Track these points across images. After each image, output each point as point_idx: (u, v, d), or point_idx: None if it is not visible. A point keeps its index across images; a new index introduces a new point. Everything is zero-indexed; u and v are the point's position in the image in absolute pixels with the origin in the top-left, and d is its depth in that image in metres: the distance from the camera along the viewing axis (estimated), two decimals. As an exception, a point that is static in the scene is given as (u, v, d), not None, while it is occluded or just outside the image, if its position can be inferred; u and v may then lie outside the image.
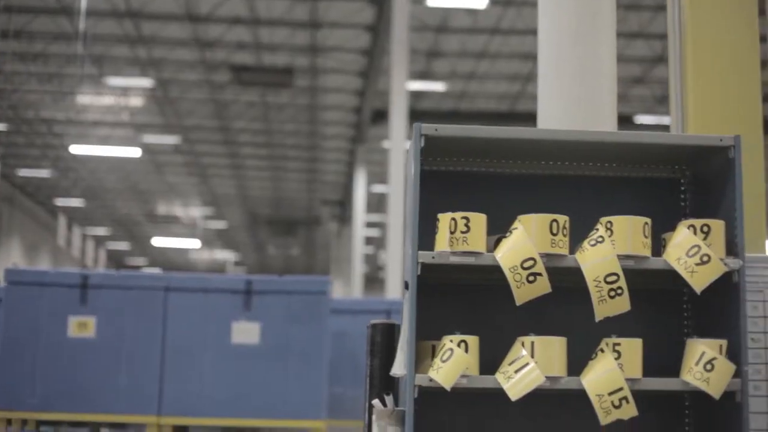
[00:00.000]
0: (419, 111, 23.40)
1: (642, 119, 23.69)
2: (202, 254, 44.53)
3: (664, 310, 4.14)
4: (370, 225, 31.88)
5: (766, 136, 4.93)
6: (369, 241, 34.37)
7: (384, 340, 4.10)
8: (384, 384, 4.03)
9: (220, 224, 39.85)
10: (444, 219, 3.69)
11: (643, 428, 4.03)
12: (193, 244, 40.98)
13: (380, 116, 22.87)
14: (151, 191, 35.03)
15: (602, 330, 3.73)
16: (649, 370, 3.75)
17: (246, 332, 8.08)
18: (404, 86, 18.34)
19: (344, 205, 33.32)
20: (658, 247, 3.87)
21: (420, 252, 3.66)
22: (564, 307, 3.93)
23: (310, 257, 44.81)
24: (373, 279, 38.71)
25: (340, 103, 25.35)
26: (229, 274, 39.65)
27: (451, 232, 3.64)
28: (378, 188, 30.29)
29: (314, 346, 8.08)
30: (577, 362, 3.68)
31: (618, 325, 3.75)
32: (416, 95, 23.45)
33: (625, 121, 23.29)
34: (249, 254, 46.23)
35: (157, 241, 41.97)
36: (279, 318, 8.06)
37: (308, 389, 7.99)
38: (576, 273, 3.64)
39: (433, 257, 3.66)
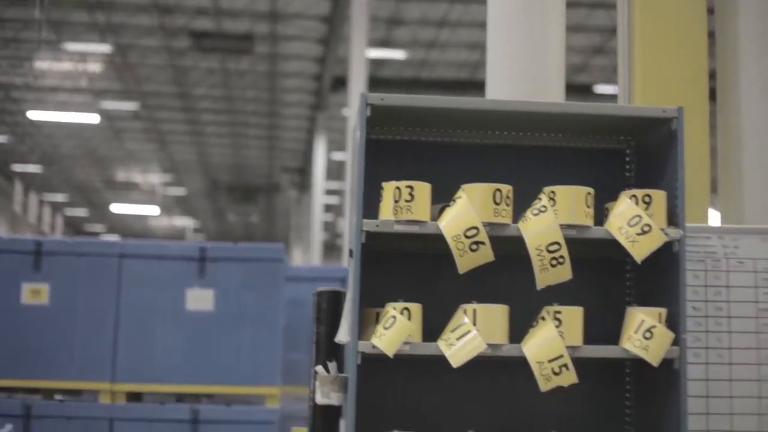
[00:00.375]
0: (380, 79, 23.37)
1: (602, 89, 23.77)
2: (161, 221, 44.37)
3: (606, 278, 4.19)
4: (329, 192, 31.89)
5: (712, 107, 4.98)
6: (329, 208, 34.39)
7: (330, 307, 4.13)
8: (329, 351, 4.07)
9: (179, 191, 39.69)
10: (388, 188, 3.72)
11: (584, 394, 4.10)
12: (153, 210, 40.82)
13: (340, 83, 22.83)
14: (110, 158, 34.81)
15: (544, 298, 3.78)
16: (590, 337, 3.81)
17: (200, 299, 8.09)
18: (364, 54, 18.32)
19: (304, 172, 33.29)
20: (602, 217, 3.92)
21: (364, 220, 3.69)
22: (506, 275, 3.97)
23: (270, 224, 44.76)
24: (333, 246, 38.75)
25: (300, 70, 25.27)
26: (188, 241, 39.56)
27: (396, 201, 3.67)
28: (338, 156, 30.27)
29: (269, 313, 8.10)
30: (518, 330, 3.74)
31: (560, 294, 3.80)
32: (376, 63, 23.41)
33: (584, 90, 23.38)
34: (209, 221, 46.11)
35: (116, 208, 41.77)
36: (234, 285, 8.07)
37: (263, 356, 8.02)
38: (519, 242, 3.68)
39: (377, 225, 3.69)
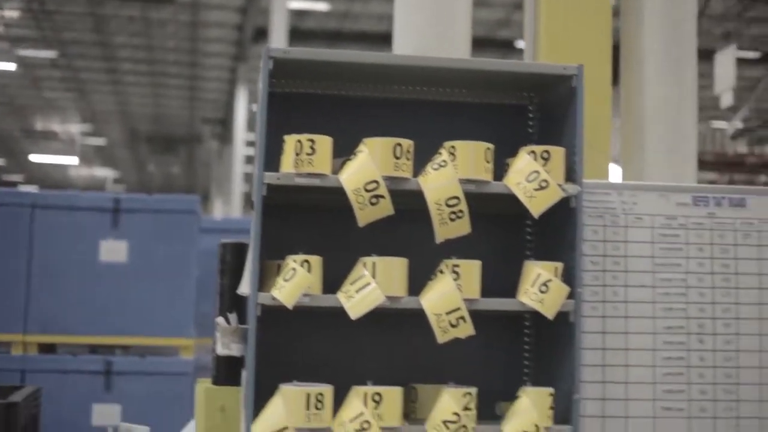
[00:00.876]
0: (302, 30, 23.26)
1: (523, 44, 23.90)
2: (81, 171, 43.84)
3: (506, 233, 4.27)
4: (250, 144, 31.73)
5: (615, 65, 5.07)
6: (249, 160, 34.20)
7: (234, 259, 4.17)
8: (233, 302, 4.11)
9: (99, 141, 39.23)
10: (290, 141, 3.74)
11: (484, 347, 4.19)
12: (72, 160, 40.31)
13: (262, 35, 22.68)
14: (28, 106, 34.27)
15: (443, 252, 3.84)
16: (490, 291, 3.89)
17: (114, 251, 8.04)
18: (285, 5, 18.22)
19: (226, 123, 33.08)
20: (503, 173, 3.98)
21: (265, 173, 3.71)
22: (406, 229, 4.03)
23: (192, 176, 44.46)
24: (255, 198, 38.51)
25: (221, 20, 25.04)
26: (108, 191, 39.16)
27: (297, 154, 3.70)
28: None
29: (183, 265, 8.08)
30: (417, 283, 3.79)
31: (459, 248, 3.86)
32: (299, 14, 23.28)
33: (506, 45, 23.49)
34: (129, 172, 45.67)
35: (35, 158, 41.18)
36: (147, 237, 8.03)
37: (177, 307, 8.01)
38: (419, 196, 3.73)
39: (278, 178, 3.72)
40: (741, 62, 21.44)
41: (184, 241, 8.09)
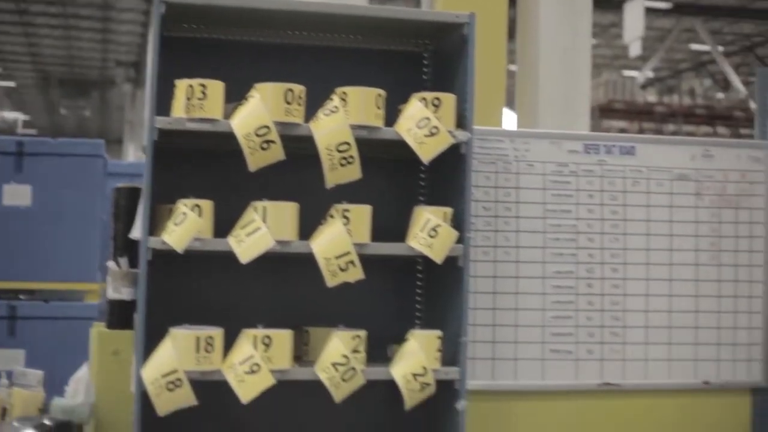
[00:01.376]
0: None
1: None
2: (-10, 114, 43.01)
3: (399, 179, 4.31)
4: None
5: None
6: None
7: (127, 203, 4.17)
8: (126, 247, 4.11)
9: (8, 83, 38.48)
10: (181, 86, 3.74)
11: (378, 290, 4.25)
12: (-19, 103, 39.51)
13: (175, -23, 22.32)
14: (-66, 47, 33.48)
15: (336, 197, 3.87)
16: (383, 236, 3.94)
17: (17, 195, 7.95)
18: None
19: (139, 66, 32.64)
20: (396, 119, 4.01)
21: (157, 117, 3.72)
22: (298, 174, 4.05)
23: (105, 119, 43.85)
24: (170, 143, 38.10)
25: (134, -39, 24.65)
26: (17, 134, 38.50)
27: (188, 99, 3.70)
28: (174, 51, 29.67)
29: (88, 209, 8.01)
30: (308, 227, 3.83)
31: (352, 193, 3.89)
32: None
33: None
34: (40, 115, 44.91)
35: (-58, 100, 40.31)
36: (52, 181, 7.94)
37: (82, 252, 7.95)
38: (310, 141, 3.76)
39: (169, 123, 3.72)
40: (651, 12, 21.68)
41: (90, 185, 8.02)
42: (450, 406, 3.96)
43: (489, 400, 4.44)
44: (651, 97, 27.85)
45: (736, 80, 26.51)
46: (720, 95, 28.06)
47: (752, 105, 29.07)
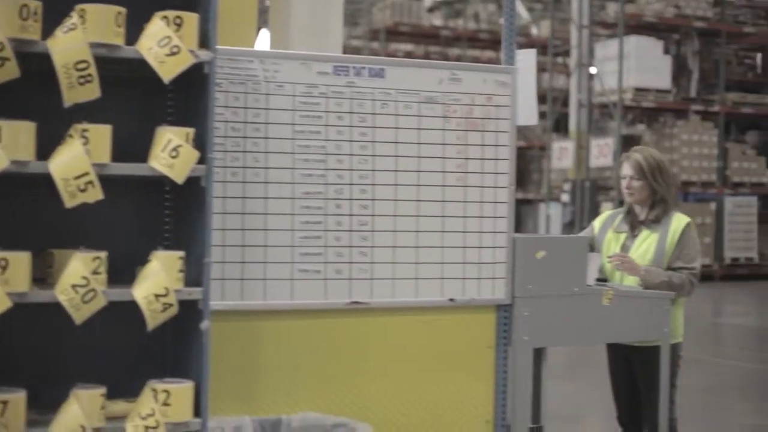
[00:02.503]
0: None
1: None
2: None
3: (146, 99, 4.25)
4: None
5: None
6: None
7: None
8: None
9: None
10: None
11: (126, 211, 4.23)
12: None
13: None
14: None
15: (81, 117, 3.79)
16: (130, 157, 3.89)
17: None
18: None
19: None
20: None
21: None
22: (35, 92, 3.95)
23: None
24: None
25: None
26: None
27: None
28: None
29: None
30: (48, 148, 3.74)
31: (95, 112, 3.82)
32: None
33: None
34: None
35: None
36: None
37: None
38: (48, 59, 3.66)
39: None
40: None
41: None
42: (194, 327, 3.98)
43: (238, 320, 4.48)
44: (437, 20, 28.25)
45: (519, 5, 27.10)
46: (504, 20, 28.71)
47: (534, 31, 29.84)
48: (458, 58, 28.41)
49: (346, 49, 27.71)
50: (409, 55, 28.68)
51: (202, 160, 3.90)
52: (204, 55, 3.89)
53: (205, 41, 3.94)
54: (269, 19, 4.89)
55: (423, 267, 4.76)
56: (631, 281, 5.49)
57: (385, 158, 4.67)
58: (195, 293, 3.94)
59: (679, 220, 5.52)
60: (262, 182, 4.47)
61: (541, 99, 28.37)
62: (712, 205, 22.00)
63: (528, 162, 28.52)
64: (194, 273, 3.98)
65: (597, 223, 5.86)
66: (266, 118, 4.46)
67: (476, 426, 4.96)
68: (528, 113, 4.95)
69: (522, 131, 28.13)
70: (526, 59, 4.97)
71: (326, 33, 4.82)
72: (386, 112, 4.66)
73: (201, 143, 3.92)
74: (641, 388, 5.56)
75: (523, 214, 28.22)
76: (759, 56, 26.10)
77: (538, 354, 5.54)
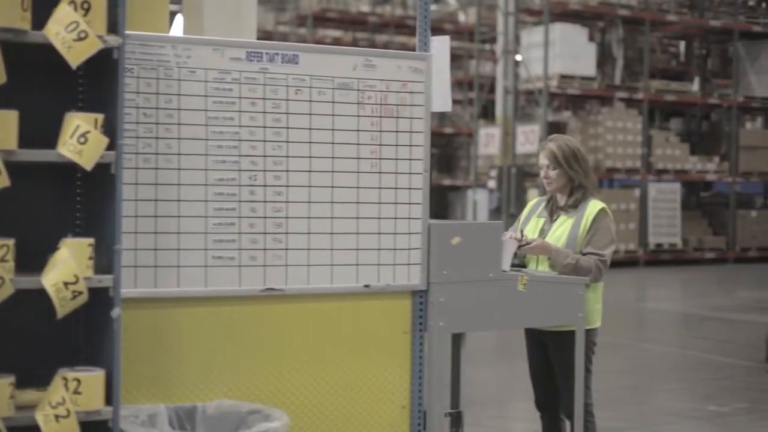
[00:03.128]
0: None
1: None
2: None
3: (55, 84, 4.20)
4: None
5: None
6: None
7: None
8: None
9: None
10: None
11: (37, 199, 4.18)
12: None
13: None
14: None
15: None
16: (37, 143, 3.84)
17: None
18: None
19: None
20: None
21: None
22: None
23: None
24: None
25: None
26: None
27: None
28: None
29: None
30: (-48, 134, 3.69)
31: (3, 101, 3.78)
32: None
33: None
34: None
35: None
36: None
37: None
38: (-49, 44, 3.61)
39: None
40: None
41: None
42: (105, 314, 3.95)
43: (152, 307, 4.46)
44: (364, 6, 28.21)
45: (446, -8, 27.18)
46: (434, 7, 28.74)
47: (461, 17, 29.95)
48: (386, 45, 28.45)
49: (274, 35, 27.63)
50: (337, 41, 28.62)
51: (111, 147, 3.87)
52: (112, 40, 3.85)
53: (113, 26, 3.90)
54: (183, 4, 4.86)
55: (338, 253, 4.77)
56: (546, 267, 5.54)
57: (299, 144, 4.66)
58: (105, 281, 3.91)
59: (593, 206, 5.58)
60: (175, 169, 4.44)
61: (468, 86, 28.57)
62: (637, 192, 22.28)
63: (456, 148, 28.64)
64: (105, 260, 3.95)
65: (526, 209, 5.91)
66: (179, 104, 4.44)
67: (392, 411, 4.98)
68: (442, 100, 4.97)
69: (450, 117, 28.29)
70: (440, 46, 4.99)
71: (241, 19, 4.80)
72: (300, 98, 4.66)
73: (111, 129, 3.88)
74: (557, 372, 5.63)
75: (451, 200, 28.37)
76: (682, 44, 26.45)
77: (457, 339, 5.58)
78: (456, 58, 28.97)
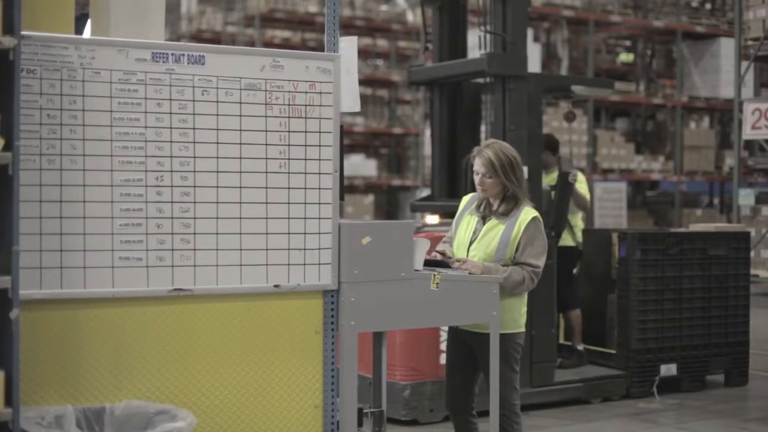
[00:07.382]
0: None
1: None
2: None
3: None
4: None
5: None
6: None
7: None
8: None
9: None
10: None
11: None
12: None
13: None
14: None
15: None
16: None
17: None
18: None
19: None
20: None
21: None
22: None
23: None
24: None
25: None
26: None
27: None
28: None
29: None
30: None
31: None
32: None
33: None
34: None
35: None
36: None
37: None
38: None
39: None
40: None
41: None
42: (4, 315, 3.94)
43: (58, 308, 4.44)
44: (312, 7, 28.16)
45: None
46: (383, 7, 28.78)
47: (410, 18, 29.99)
48: (334, 46, 28.35)
49: (222, 36, 27.54)
50: (285, 41, 28.58)
51: (8, 148, 3.86)
52: (7, 41, 3.84)
53: (9, 28, 3.90)
54: (90, 6, 4.84)
55: (247, 254, 4.78)
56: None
57: (206, 145, 4.67)
58: (4, 282, 3.90)
59: (526, 213, 5.58)
60: (80, 170, 4.44)
61: (417, 86, 28.55)
62: (582, 191, 22.41)
63: (406, 149, 28.69)
64: (3, 262, 3.94)
65: (461, 204, 5.91)
66: (83, 105, 4.43)
67: (305, 410, 5.00)
68: (351, 100, 4.99)
69: (399, 118, 28.34)
70: (348, 46, 5.02)
71: (147, 20, 4.79)
72: (207, 99, 4.67)
73: (8, 131, 3.88)
74: (483, 372, 5.64)
75: (400, 200, 28.39)
76: (627, 45, 26.65)
77: (378, 338, 5.62)
78: (404, 59, 29.04)
